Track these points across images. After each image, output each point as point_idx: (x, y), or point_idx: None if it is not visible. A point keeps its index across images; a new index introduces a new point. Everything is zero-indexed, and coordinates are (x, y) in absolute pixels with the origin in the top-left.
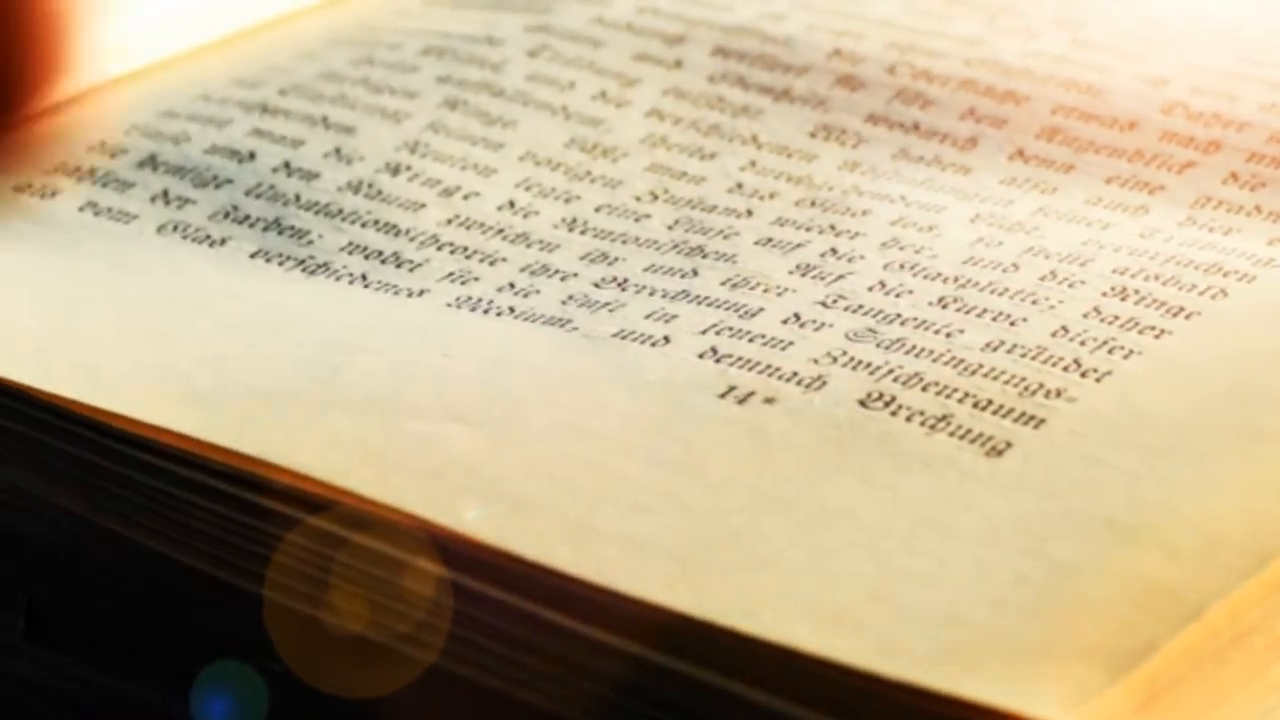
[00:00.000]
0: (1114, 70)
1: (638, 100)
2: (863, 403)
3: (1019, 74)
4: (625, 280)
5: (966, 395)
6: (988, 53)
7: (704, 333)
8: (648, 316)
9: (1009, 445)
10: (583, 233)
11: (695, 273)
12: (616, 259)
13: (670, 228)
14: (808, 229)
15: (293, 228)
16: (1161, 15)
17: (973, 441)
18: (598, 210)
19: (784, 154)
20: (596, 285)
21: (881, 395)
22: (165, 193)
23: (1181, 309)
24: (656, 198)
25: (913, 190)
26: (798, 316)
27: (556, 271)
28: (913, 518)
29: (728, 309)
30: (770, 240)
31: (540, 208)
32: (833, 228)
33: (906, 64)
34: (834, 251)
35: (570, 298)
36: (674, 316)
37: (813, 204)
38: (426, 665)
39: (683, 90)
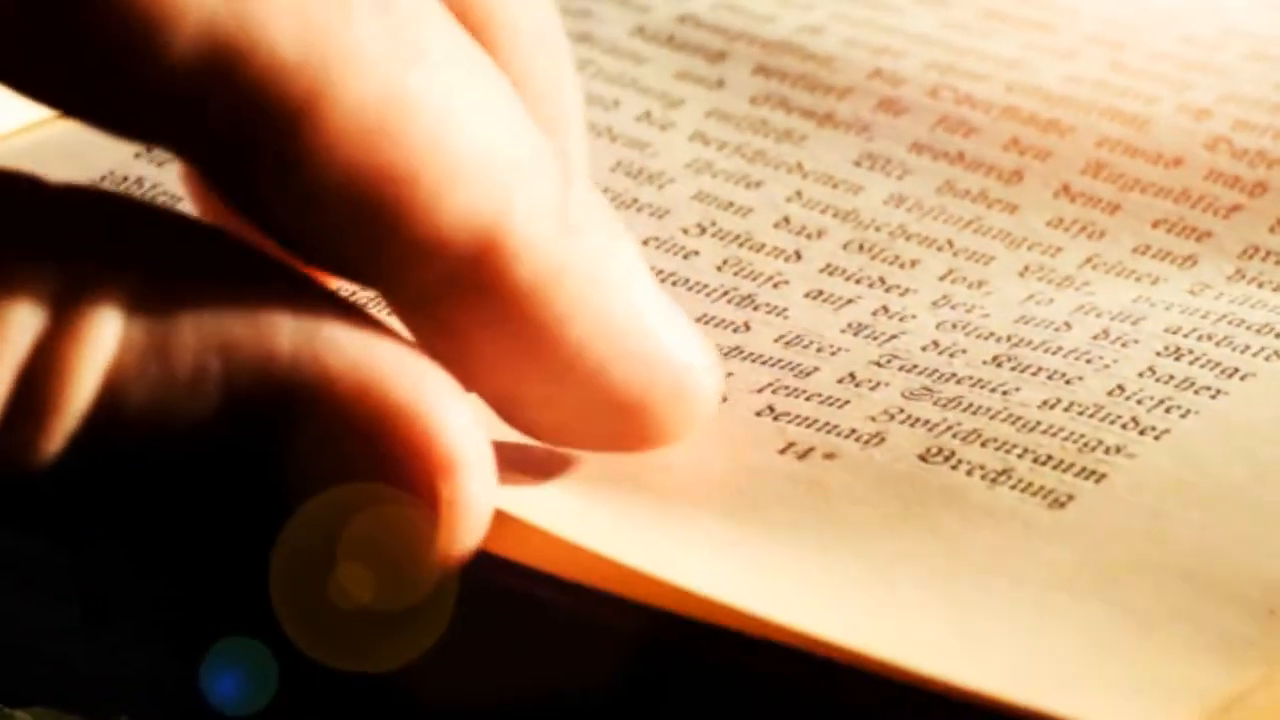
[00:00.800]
0: (1156, 99)
1: (681, 122)
2: (923, 457)
3: (1061, 101)
4: None
5: (1026, 451)
6: (1028, 76)
7: (760, 391)
8: None
9: (1071, 498)
10: None
11: (748, 326)
12: None
13: (719, 269)
14: (857, 280)
15: None
16: (1200, 35)
17: (1034, 494)
18: (646, 244)
19: (829, 184)
20: None
21: (941, 450)
22: None
23: (1236, 370)
24: (704, 231)
25: (960, 234)
26: (853, 376)
27: None
28: (980, 564)
29: (782, 368)
30: (820, 293)
31: None
32: (882, 280)
33: (948, 87)
34: (885, 310)
35: None
36: (729, 375)
37: (861, 248)
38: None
39: (726, 112)
